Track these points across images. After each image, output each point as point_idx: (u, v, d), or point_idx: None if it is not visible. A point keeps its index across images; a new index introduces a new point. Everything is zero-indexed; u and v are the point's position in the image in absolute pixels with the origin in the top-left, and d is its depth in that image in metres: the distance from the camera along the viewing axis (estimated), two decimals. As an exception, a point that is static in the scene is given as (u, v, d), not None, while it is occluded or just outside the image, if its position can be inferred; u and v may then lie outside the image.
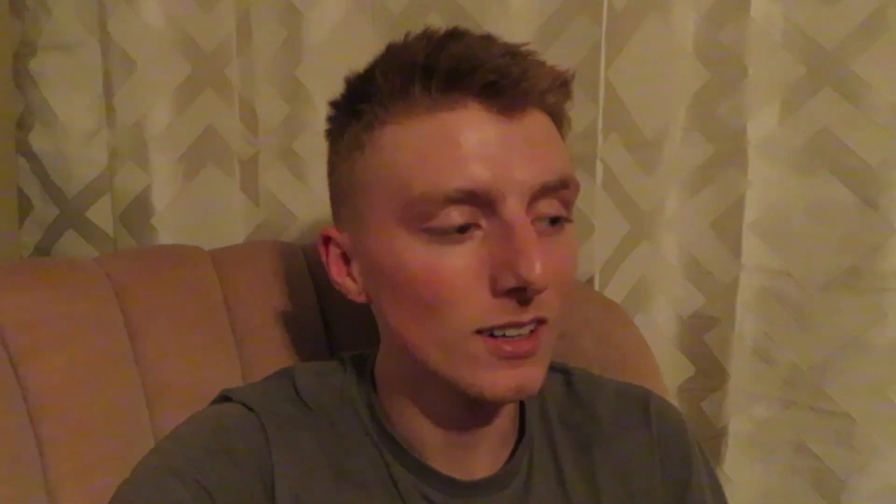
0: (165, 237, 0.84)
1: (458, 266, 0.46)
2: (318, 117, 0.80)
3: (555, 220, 0.48)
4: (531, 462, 0.55)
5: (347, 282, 0.53)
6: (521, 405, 0.57)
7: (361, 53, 0.51)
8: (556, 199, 0.48)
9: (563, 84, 0.49)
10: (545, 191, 0.47)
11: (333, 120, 0.53)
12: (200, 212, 0.84)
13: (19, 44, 0.85)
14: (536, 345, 0.47)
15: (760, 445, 0.80)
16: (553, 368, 0.61)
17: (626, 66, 0.75)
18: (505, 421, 0.54)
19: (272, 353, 0.68)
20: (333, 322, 0.72)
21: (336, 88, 0.52)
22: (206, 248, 0.73)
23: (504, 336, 0.47)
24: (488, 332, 0.46)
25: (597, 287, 0.80)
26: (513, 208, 0.46)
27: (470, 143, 0.46)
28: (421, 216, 0.46)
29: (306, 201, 0.83)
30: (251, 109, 0.83)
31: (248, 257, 0.73)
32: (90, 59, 0.83)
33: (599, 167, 0.78)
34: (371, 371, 0.55)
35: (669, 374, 0.80)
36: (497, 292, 0.46)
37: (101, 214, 0.87)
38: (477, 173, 0.45)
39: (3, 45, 0.87)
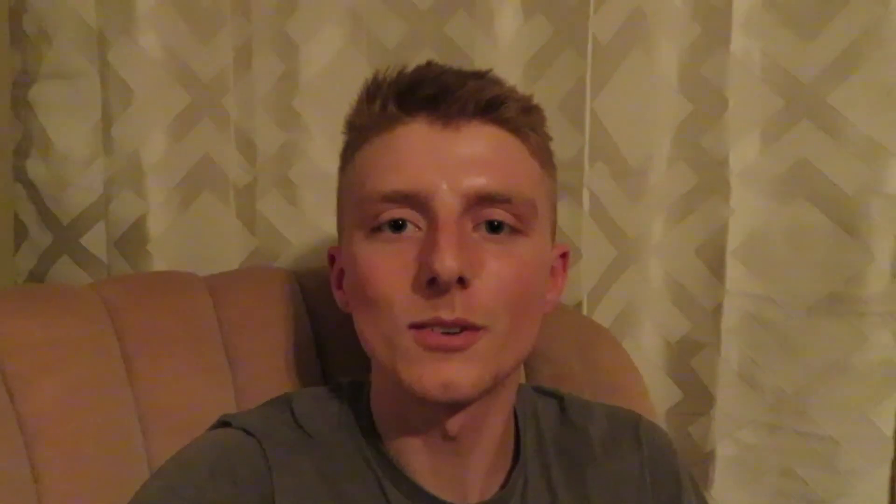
0: (161, 264, 0.84)
1: (392, 263, 0.48)
2: (314, 146, 0.82)
3: (498, 227, 0.49)
4: (525, 487, 0.55)
5: (339, 293, 0.56)
6: (517, 431, 0.57)
7: (356, 85, 0.54)
8: (506, 211, 0.49)
9: (519, 104, 0.52)
10: (484, 200, 0.49)
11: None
12: (196, 238, 0.84)
13: (18, 72, 0.86)
14: (466, 343, 0.48)
15: (748, 469, 0.80)
16: (547, 394, 0.62)
17: (612, 98, 0.77)
18: (491, 444, 0.54)
19: (266, 378, 0.69)
20: (327, 348, 0.72)
21: (331, 118, 0.55)
22: (202, 274, 0.73)
23: (432, 329, 0.48)
24: (418, 327, 0.48)
25: (585, 312, 0.81)
26: (441, 208, 0.48)
27: (410, 149, 0.49)
28: (367, 217, 0.49)
29: (301, 228, 0.84)
30: (248, 138, 0.84)
31: (242, 283, 0.73)
32: (89, 89, 0.84)
33: (586, 195, 0.79)
34: (367, 397, 0.56)
35: (657, 399, 0.81)
36: (417, 286, 0.47)
37: (96, 241, 0.87)
38: (411, 175, 0.48)
39: (3, 73, 0.88)
